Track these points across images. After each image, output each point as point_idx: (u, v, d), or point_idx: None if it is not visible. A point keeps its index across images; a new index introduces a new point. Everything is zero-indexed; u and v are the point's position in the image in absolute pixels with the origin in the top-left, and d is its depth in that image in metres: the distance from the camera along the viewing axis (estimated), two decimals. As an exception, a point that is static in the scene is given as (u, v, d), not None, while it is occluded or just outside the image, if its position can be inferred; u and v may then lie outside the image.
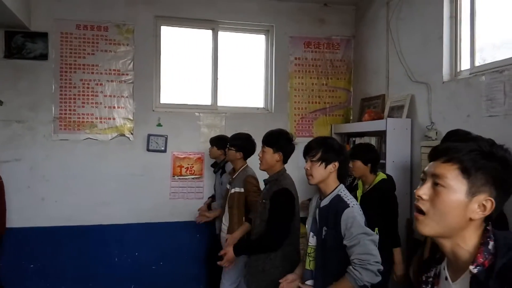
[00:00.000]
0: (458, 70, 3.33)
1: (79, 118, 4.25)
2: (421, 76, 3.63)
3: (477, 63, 3.15)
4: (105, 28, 4.31)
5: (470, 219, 1.01)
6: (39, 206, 4.12)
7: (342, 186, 2.08)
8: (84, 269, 4.21)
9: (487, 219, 1.03)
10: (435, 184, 1.04)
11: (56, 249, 4.15)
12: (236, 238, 2.99)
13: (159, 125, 4.41)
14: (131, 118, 4.36)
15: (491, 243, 0.99)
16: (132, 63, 4.35)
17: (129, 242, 4.35)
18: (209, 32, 4.69)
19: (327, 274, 1.97)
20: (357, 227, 1.88)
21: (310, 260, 2.09)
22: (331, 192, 2.05)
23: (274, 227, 2.44)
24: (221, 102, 4.70)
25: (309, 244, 2.11)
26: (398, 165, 3.53)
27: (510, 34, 2.90)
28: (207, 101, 4.68)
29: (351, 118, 4.90)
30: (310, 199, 4.20)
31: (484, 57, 3.13)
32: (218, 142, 4.02)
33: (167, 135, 4.42)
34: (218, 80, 4.68)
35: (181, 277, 4.43)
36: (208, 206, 4.12)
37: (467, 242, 1.02)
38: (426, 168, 1.10)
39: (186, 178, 4.49)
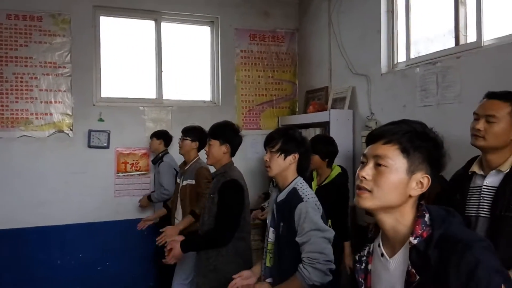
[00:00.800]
0: (395, 62, 3.49)
1: (13, 114, 3.97)
2: (361, 69, 3.76)
3: (412, 56, 3.32)
4: (38, 18, 4.04)
5: (410, 196, 1.07)
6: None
7: (299, 178, 2.00)
8: (24, 274, 3.96)
9: (421, 196, 1.10)
10: (377, 165, 1.08)
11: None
12: (177, 230, 2.88)
13: (101, 120, 4.23)
14: (70, 114, 4.14)
15: (427, 216, 1.06)
16: (69, 55, 4.13)
17: (72, 243, 4.15)
18: (152, 23, 4.56)
19: (283, 272, 1.90)
20: (309, 223, 1.81)
21: (270, 257, 2.02)
22: (288, 185, 1.98)
23: (223, 220, 2.34)
24: (167, 95, 4.60)
25: (269, 240, 2.03)
26: (341, 155, 3.62)
27: (442, 28, 3.08)
28: (152, 94, 4.56)
29: (297, 110, 4.99)
30: (264, 193, 4.29)
31: (419, 49, 3.30)
32: (157, 133, 4.13)
33: (109, 131, 4.25)
34: (162, 73, 4.56)
35: (129, 276, 4.30)
36: (148, 197, 4.09)
37: (405, 217, 1.08)
38: (366, 151, 1.14)
39: (132, 175, 4.36)
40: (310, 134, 4.03)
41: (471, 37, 2.78)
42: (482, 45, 2.64)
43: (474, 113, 1.80)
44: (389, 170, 1.07)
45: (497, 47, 2.50)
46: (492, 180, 1.72)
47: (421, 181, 1.07)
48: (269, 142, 2.02)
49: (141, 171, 4.39)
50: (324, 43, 4.36)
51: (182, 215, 3.20)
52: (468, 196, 1.78)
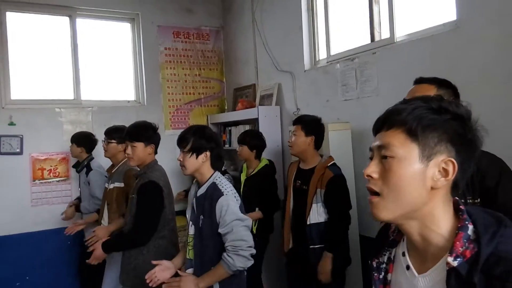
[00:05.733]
0: (317, 59, 3.62)
1: None
2: (286, 66, 3.85)
3: (332, 52, 3.46)
4: None
5: (432, 189, 0.84)
6: None
7: (217, 173, 2.09)
8: None
9: (454, 189, 0.87)
10: (383, 158, 0.87)
11: None
12: (107, 231, 2.81)
13: (12, 124, 3.86)
14: (-25, 118, 3.74)
15: (470, 227, 0.82)
16: (-30, 53, 3.72)
17: (-16, 260, 3.76)
18: (66, 19, 4.26)
19: (205, 262, 1.99)
20: (230, 214, 1.91)
21: (189, 249, 2.09)
22: (207, 181, 2.05)
23: (141, 221, 2.37)
24: (86, 95, 4.33)
25: (189, 233, 2.10)
26: (271, 150, 3.70)
27: (359, 25, 3.24)
28: (69, 95, 4.26)
29: (226, 107, 4.98)
30: (185, 191, 4.22)
31: (338, 46, 3.45)
32: (77, 139, 3.71)
33: (22, 135, 3.91)
34: (79, 71, 4.28)
35: (53, 289, 4.00)
36: (77, 208, 3.70)
37: (439, 223, 0.85)
38: (372, 144, 0.93)
39: (50, 182, 4.04)
40: (240, 131, 4.03)
41: (385, 34, 2.96)
42: (395, 41, 2.83)
43: (404, 99, 1.89)
44: (397, 161, 0.84)
45: (409, 42, 2.69)
46: None
47: (444, 168, 0.83)
48: (180, 143, 2.07)
49: (60, 177, 4.09)
50: (249, 40, 4.40)
51: (108, 220, 3.03)
52: None
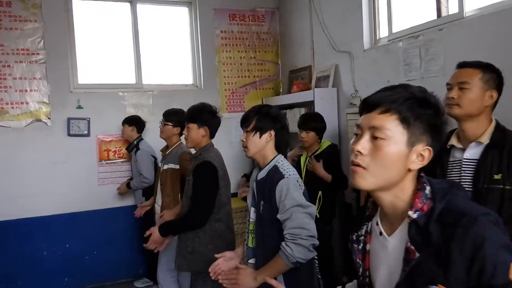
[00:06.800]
0: (377, 38, 3.45)
1: (-14, 104, 3.83)
2: (344, 46, 3.71)
3: (394, 30, 3.28)
4: (7, 4, 3.87)
5: (409, 170, 0.98)
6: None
7: (280, 156, 1.95)
8: (10, 267, 3.89)
9: (421, 170, 1.01)
10: (373, 138, 0.97)
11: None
12: (174, 214, 2.84)
13: (79, 107, 4.11)
14: (47, 102, 4.01)
15: (428, 188, 0.98)
16: (42, 41, 3.97)
17: (57, 234, 4.08)
18: (127, 4, 4.41)
19: (267, 251, 1.85)
20: (290, 199, 1.76)
21: (252, 237, 1.97)
22: (268, 163, 1.92)
23: (197, 201, 2.34)
24: (147, 79, 4.49)
25: (250, 219, 1.99)
26: (327, 133, 3.60)
27: (424, 0, 3.04)
28: (131, 79, 4.43)
29: (281, 90, 4.94)
30: (245, 175, 4.26)
31: (401, 23, 3.26)
32: (129, 120, 4.05)
33: (89, 118, 4.14)
34: (141, 57, 4.44)
35: (118, 264, 4.27)
36: (128, 185, 4.04)
37: (405, 191, 0.99)
38: (359, 121, 1.02)
39: (115, 162, 4.27)
40: (295, 114, 3.99)
41: (453, 9, 2.75)
42: (464, 16, 2.61)
43: (447, 83, 1.80)
44: (388, 143, 0.96)
45: (479, 17, 2.48)
46: (472, 152, 1.71)
47: (421, 154, 0.97)
48: (243, 122, 1.97)
49: (124, 158, 4.31)
50: (306, 21, 4.29)
51: (162, 199, 3.14)
52: (448, 170, 1.76)
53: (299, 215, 1.74)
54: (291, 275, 1.80)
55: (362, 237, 1.11)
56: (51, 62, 4.01)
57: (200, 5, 4.58)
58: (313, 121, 3.17)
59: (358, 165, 0.98)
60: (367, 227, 1.11)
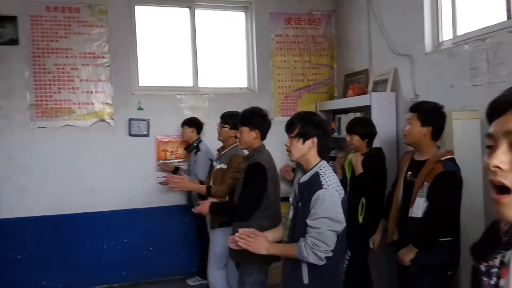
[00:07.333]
0: (440, 41, 3.30)
1: (56, 104, 4.11)
2: (404, 48, 3.59)
3: (459, 33, 3.12)
4: (76, 10, 4.13)
5: None
6: (22, 196, 4.01)
7: (323, 162, 2.02)
8: (73, 258, 4.14)
9: None
10: None
11: (41, 239, 4.07)
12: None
13: (140, 108, 4.30)
14: (110, 103, 4.24)
15: None
16: (107, 45, 4.21)
17: (117, 229, 4.28)
18: (186, 10, 4.55)
19: None
20: (323, 210, 1.85)
21: (287, 234, 2.12)
22: (311, 168, 2.01)
23: (245, 197, 2.52)
24: (203, 83, 4.60)
25: (289, 217, 2.12)
26: (384, 140, 3.51)
27: (492, 1, 2.87)
28: (188, 82, 4.57)
29: (336, 94, 4.86)
30: (293, 169, 4.26)
31: (466, 26, 3.10)
32: (189, 121, 4.18)
33: (149, 119, 4.32)
34: (198, 60, 4.57)
35: (172, 260, 4.41)
36: (174, 171, 4.23)
37: None
38: (490, 130, 0.81)
39: (172, 162, 4.42)
40: (350, 119, 3.89)
41: (527, 9, 2.57)
42: (539, 17, 2.44)
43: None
44: None
45: (557, 18, 2.30)
46: None
47: None
48: (288, 128, 2.07)
49: (180, 158, 4.45)
50: (363, 23, 4.20)
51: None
52: None
53: (326, 231, 1.85)
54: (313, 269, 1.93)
55: (496, 270, 0.88)
56: (115, 65, 4.23)
57: (257, 10, 4.63)
58: (357, 125, 3.15)
59: (500, 188, 0.77)
60: (503, 256, 0.88)
